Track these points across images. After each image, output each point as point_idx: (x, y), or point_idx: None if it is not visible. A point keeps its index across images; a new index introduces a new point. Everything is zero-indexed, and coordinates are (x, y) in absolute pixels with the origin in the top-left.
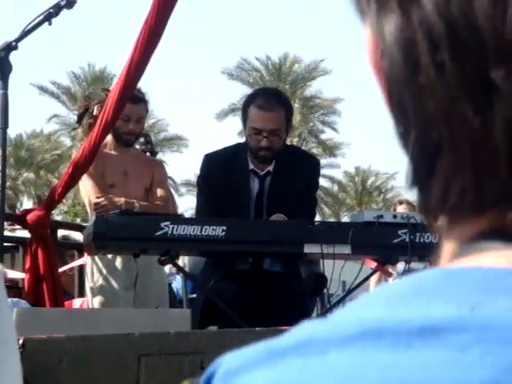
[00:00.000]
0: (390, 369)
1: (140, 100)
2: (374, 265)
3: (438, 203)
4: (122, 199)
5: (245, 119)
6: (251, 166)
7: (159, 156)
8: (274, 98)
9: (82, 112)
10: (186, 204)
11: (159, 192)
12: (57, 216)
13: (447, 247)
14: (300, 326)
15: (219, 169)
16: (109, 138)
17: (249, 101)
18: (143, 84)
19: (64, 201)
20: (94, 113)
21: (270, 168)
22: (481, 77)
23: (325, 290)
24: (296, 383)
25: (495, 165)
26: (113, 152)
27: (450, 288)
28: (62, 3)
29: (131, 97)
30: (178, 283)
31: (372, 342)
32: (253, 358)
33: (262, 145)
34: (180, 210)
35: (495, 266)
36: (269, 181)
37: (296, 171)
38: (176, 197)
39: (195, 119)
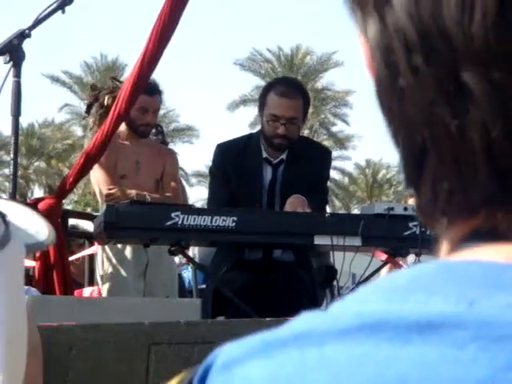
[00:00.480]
0: (388, 363)
1: (156, 92)
2: (384, 257)
3: (429, 205)
4: (134, 191)
5: (262, 106)
6: (264, 155)
7: (170, 146)
8: (294, 86)
9: (92, 102)
10: (197, 195)
11: (170, 183)
12: (67, 205)
13: (444, 247)
14: (299, 317)
15: (232, 157)
16: (122, 127)
17: (268, 88)
18: (153, 74)
19: (75, 190)
20: (105, 103)
21: (283, 156)
22: (455, 81)
23: (335, 282)
24: (294, 374)
25: (474, 167)
26: (126, 142)
27: (449, 282)
28: None
29: (148, 89)
30: (189, 273)
31: (370, 335)
32: (251, 348)
33: (278, 132)
34: (190, 201)
35: (493, 261)
36: (282, 169)
37: (309, 160)
38: (187, 188)
39: (206, 110)
